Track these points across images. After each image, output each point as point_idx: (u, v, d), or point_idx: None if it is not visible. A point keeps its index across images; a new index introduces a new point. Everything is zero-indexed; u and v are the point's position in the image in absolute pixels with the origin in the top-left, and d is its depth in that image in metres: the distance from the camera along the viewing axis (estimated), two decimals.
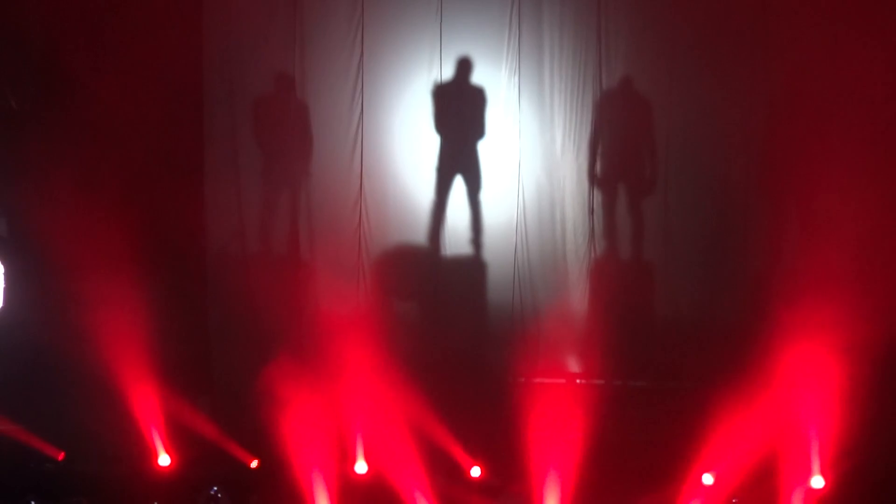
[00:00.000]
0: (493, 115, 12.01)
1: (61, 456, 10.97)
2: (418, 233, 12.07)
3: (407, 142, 12.04)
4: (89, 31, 11.30)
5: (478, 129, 12.03)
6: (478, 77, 12.00)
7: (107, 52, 11.27)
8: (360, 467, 11.03)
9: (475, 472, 10.98)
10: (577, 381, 11.78)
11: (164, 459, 11.01)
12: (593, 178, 11.91)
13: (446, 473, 10.90)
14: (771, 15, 11.43)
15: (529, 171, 11.95)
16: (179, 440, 11.15)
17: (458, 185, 12.05)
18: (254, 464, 10.97)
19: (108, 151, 11.13)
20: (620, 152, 11.96)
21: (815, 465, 10.44)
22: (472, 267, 12.08)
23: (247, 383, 11.14)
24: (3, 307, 11.20)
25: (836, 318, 11.24)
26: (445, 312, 11.95)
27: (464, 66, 11.97)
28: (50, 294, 11.12)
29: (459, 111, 12.05)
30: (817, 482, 10.45)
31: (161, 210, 11.11)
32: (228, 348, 11.54)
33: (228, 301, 11.61)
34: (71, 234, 10.69)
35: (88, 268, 10.74)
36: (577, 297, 11.90)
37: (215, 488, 10.01)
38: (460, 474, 10.97)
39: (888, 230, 11.44)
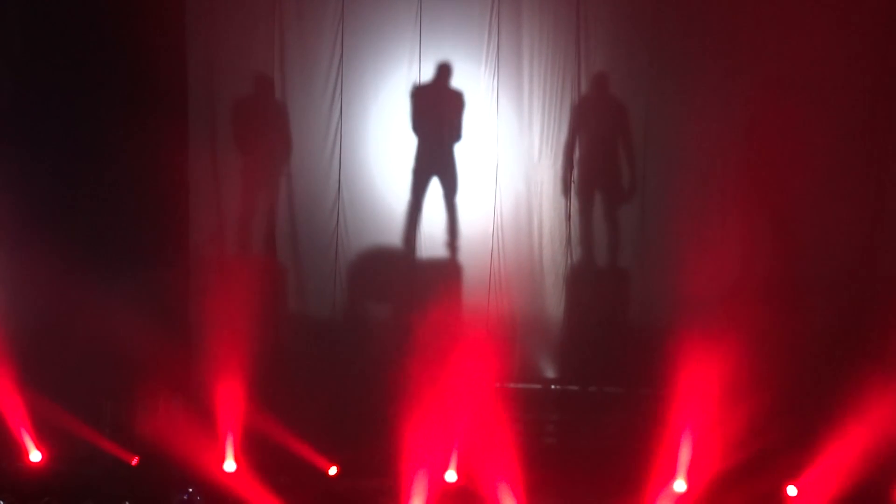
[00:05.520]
0: (472, 119, 12.03)
1: (42, 456, 10.91)
2: (395, 235, 12.07)
3: (385, 144, 12.05)
4: (71, 34, 11.26)
5: (455, 132, 12.05)
6: (456, 80, 12.02)
7: (90, 55, 11.25)
8: (332, 471, 11.03)
9: (450, 476, 10.97)
10: (552, 386, 11.82)
11: (134, 460, 11.01)
12: (570, 185, 11.96)
13: (420, 477, 10.89)
14: (750, 25, 11.50)
15: (507, 176, 11.99)
16: (152, 440, 11.16)
17: (435, 188, 12.07)
18: (229, 466, 10.95)
19: (90, 152, 11.10)
20: (598, 159, 12.01)
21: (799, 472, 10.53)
22: (448, 270, 12.09)
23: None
24: None
25: (811, 325, 11.38)
26: (420, 315, 11.93)
27: (443, 69, 11.98)
28: (33, 291, 11.09)
29: (437, 114, 12.07)
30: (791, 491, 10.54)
31: (145, 210, 11.10)
32: (208, 348, 11.50)
33: (209, 301, 11.59)
34: (51, 233, 10.67)
35: (68, 267, 10.71)
36: (553, 302, 11.95)
37: (190, 490, 9.94)
38: (435, 478, 10.97)
39: (861, 239, 11.58)
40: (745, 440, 10.69)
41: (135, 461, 11.02)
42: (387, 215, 12.01)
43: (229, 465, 10.94)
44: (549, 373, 11.93)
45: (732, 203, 11.79)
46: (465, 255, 12.06)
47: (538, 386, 11.81)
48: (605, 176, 11.98)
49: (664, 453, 10.71)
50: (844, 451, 10.28)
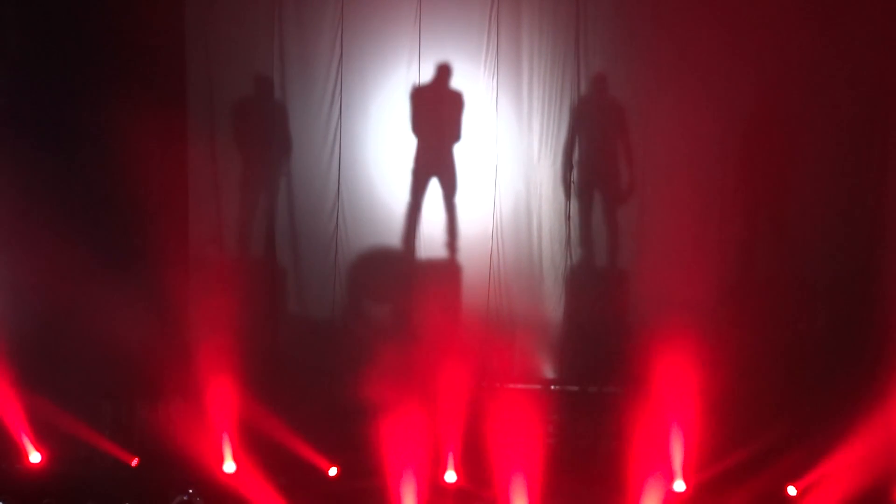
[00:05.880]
0: (471, 120, 12.02)
1: (42, 457, 10.91)
2: (394, 236, 12.07)
3: (384, 145, 12.05)
4: (70, 33, 11.25)
5: (455, 133, 12.04)
6: (456, 81, 12.02)
7: (89, 55, 11.24)
8: (332, 471, 11.02)
9: (449, 477, 10.97)
10: (552, 387, 11.82)
11: (134, 461, 11.02)
12: (569, 185, 11.96)
13: (419, 478, 10.90)
14: (750, 26, 11.49)
15: (506, 176, 11.99)
16: (152, 441, 11.18)
17: (434, 188, 12.07)
18: (229, 467, 10.95)
19: (89, 153, 11.10)
20: (597, 160, 12.00)
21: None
22: (448, 271, 12.09)
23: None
24: None
25: (812, 326, 11.39)
26: (419, 316, 11.93)
27: (442, 69, 11.97)
28: (32, 292, 11.10)
29: (437, 114, 12.06)
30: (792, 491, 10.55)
31: (144, 211, 11.11)
32: (207, 348, 11.50)
33: (208, 302, 11.59)
34: (51, 233, 10.67)
35: (67, 268, 10.71)
36: (553, 303, 11.95)
37: (190, 491, 9.95)
38: (434, 479, 10.97)
39: (862, 240, 11.58)
40: (746, 441, 10.73)
41: (135, 462, 11.02)
42: (386, 216, 12.01)
43: (229, 466, 10.94)
44: (549, 373, 11.93)
45: (732, 204, 11.82)
46: (465, 255, 12.05)
47: (537, 386, 11.80)
48: (605, 176, 11.97)
49: (664, 454, 10.73)
50: (845, 453, 10.30)
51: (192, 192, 11.82)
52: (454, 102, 12.01)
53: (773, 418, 10.93)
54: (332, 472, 11.02)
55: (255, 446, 10.91)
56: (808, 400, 11.07)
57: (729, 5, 11.51)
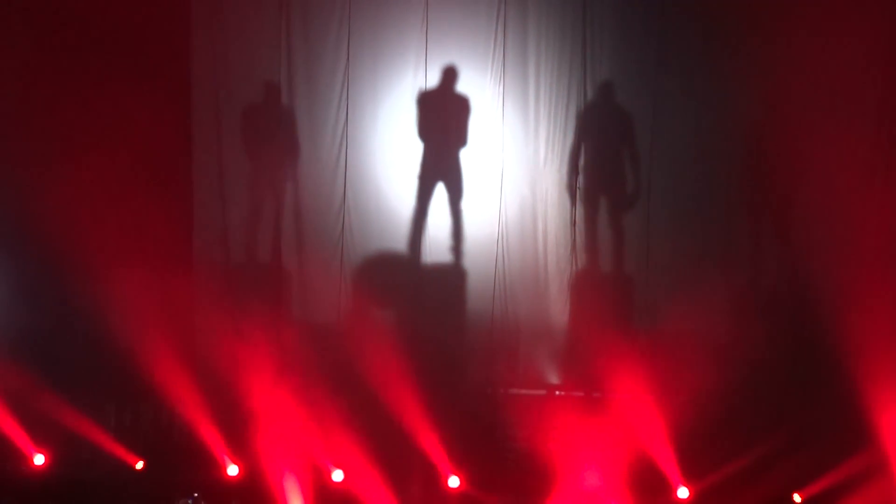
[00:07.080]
0: (477, 125, 12.04)
1: (45, 460, 10.91)
2: (400, 240, 12.08)
3: (390, 150, 12.07)
4: (77, 36, 11.27)
5: (461, 138, 12.06)
6: (462, 86, 12.03)
7: (95, 59, 11.26)
8: (336, 475, 10.99)
9: (453, 482, 10.96)
10: (557, 392, 11.82)
11: (139, 463, 11.02)
12: (575, 191, 11.97)
13: (423, 483, 10.90)
14: (756, 32, 11.50)
15: (512, 181, 12.01)
16: (156, 444, 11.19)
17: (440, 193, 12.08)
18: (232, 471, 10.95)
19: (95, 157, 11.09)
20: (603, 165, 12.03)
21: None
22: (453, 275, 12.10)
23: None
24: None
25: (819, 333, 11.37)
26: (425, 320, 11.95)
27: (449, 74, 11.99)
28: (36, 294, 11.14)
29: (443, 119, 12.08)
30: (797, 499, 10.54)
31: (149, 216, 11.12)
32: (211, 352, 11.51)
33: (213, 306, 11.60)
34: (56, 238, 10.68)
35: (72, 273, 10.72)
36: (558, 308, 11.95)
37: (195, 494, 9.95)
38: (438, 484, 10.97)
39: (868, 246, 11.58)
40: (751, 446, 10.73)
41: (139, 465, 11.02)
42: (392, 220, 12.02)
43: (232, 470, 10.95)
44: (553, 378, 11.93)
45: (738, 210, 11.83)
46: (470, 260, 12.08)
47: (542, 392, 11.81)
48: (611, 182, 11.99)
49: (668, 459, 10.73)
50: (852, 462, 10.31)
51: (197, 195, 11.87)
52: (461, 107, 12.03)
53: (778, 425, 10.91)
54: (337, 476, 11.01)
55: (259, 449, 10.91)
56: (814, 407, 11.06)
57: (734, 11, 11.51)
